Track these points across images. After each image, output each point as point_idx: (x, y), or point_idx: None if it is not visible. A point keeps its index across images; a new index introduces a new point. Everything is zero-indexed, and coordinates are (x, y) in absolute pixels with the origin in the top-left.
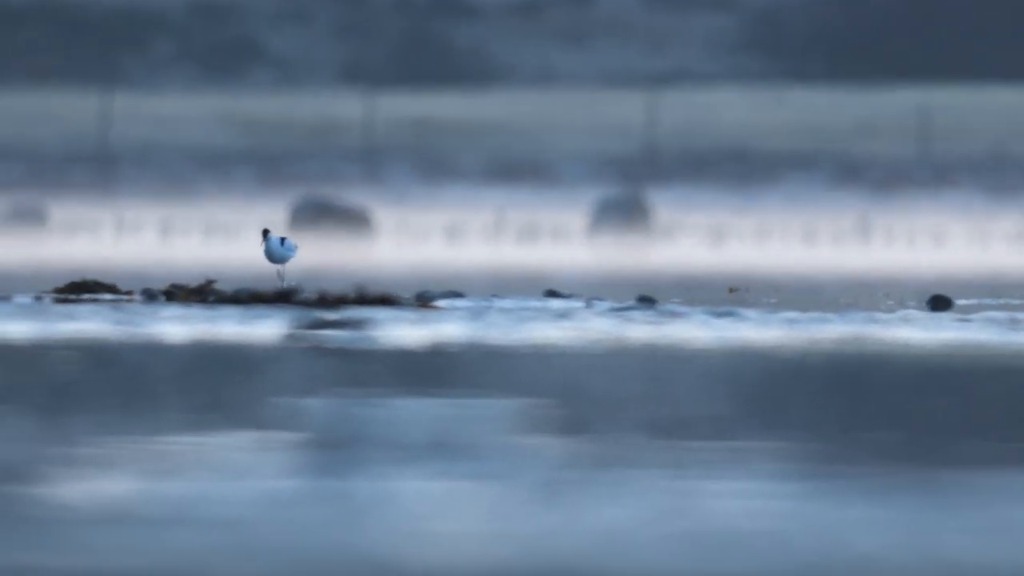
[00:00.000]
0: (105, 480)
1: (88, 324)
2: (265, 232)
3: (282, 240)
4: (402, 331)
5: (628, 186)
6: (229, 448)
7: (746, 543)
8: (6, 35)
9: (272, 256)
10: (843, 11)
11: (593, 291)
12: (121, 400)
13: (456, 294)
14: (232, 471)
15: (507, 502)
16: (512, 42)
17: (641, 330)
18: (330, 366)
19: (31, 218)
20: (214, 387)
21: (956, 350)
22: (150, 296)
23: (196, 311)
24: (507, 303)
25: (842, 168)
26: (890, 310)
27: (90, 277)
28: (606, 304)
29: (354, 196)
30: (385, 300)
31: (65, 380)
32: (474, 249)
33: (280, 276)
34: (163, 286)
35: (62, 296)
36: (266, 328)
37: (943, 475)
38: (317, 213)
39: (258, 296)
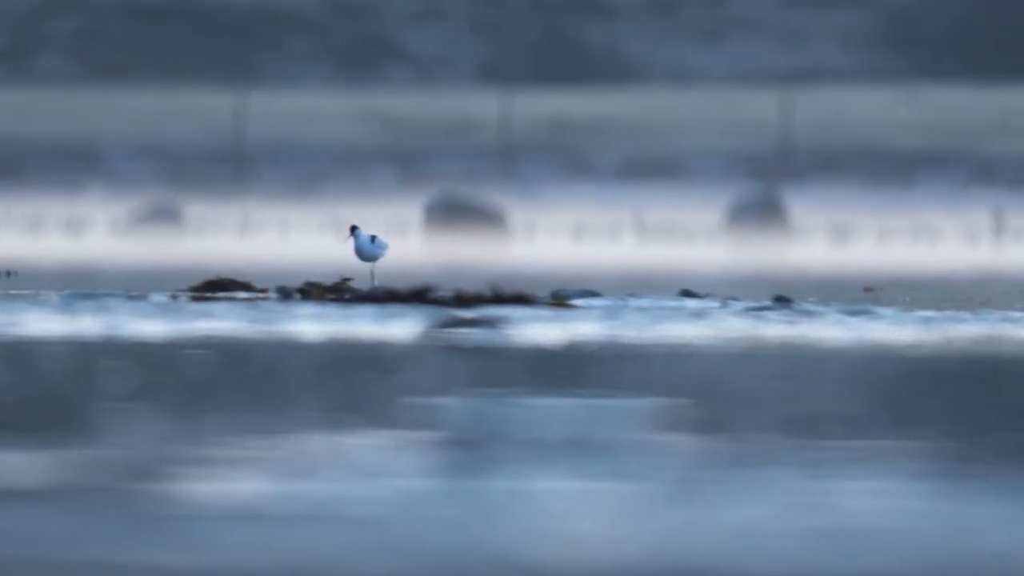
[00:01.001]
0: (240, 479)
1: (223, 322)
2: (353, 228)
3: (372, 238)
4: (538, 330)
5: (762, 184)
6: (364, 447)
7: (880, 541)
8: (143, 33)
9: (362, 254)
10: (978, 8)
11: (728, 290)
12: (256, 399)
13: (592, 293)
14: (367, 470)
15: (642, 501)
16: (647, 40)
17: (777, 329)
18: (465, 365)
19: (167, 217)
20: (349, 386)
21: None
22: (285, 294)
23: (331, 309)
24: (643, 302)
25: (977, 166)
26: None
27: (225, 275)
28: (741, 304)
29: (489, 194)
30: (520, 299)
31: (200, 379)
32: (609, 248)
33: (371, 276)
34: (298, 284)
35: (198, 295)
36: (401, 327)
37: None
38: (452, 211)
39: (394, 295)
